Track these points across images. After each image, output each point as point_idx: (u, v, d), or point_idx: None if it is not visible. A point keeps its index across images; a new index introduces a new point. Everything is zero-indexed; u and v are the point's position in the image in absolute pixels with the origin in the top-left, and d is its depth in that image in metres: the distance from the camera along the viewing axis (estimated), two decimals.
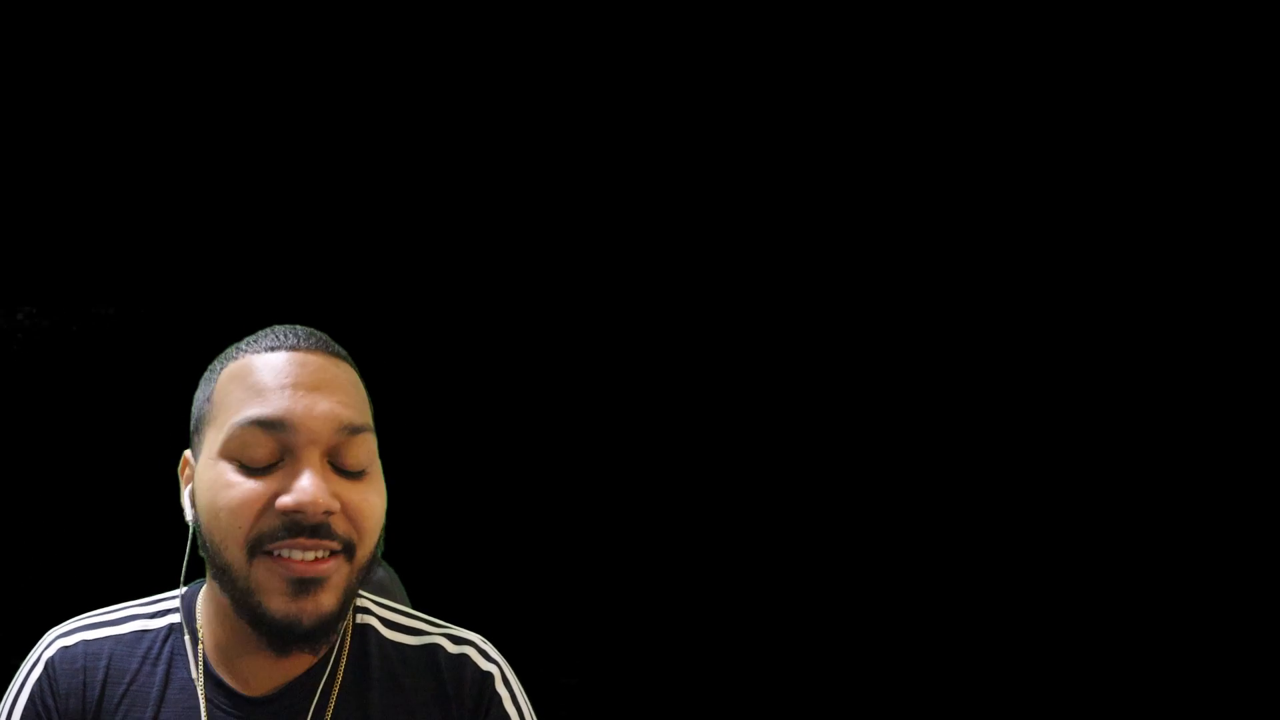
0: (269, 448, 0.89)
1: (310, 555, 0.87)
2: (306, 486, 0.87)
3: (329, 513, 0.88)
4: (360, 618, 0.99)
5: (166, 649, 0.96)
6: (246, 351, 0.93)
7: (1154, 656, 2.90)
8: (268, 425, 0.88)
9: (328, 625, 0.89)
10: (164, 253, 3.00)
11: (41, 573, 2.86)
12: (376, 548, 0.94)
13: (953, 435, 3.10)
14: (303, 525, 0.87)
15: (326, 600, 0.88)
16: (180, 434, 0.97)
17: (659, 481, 3.10)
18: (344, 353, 0.96)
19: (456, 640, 1.00)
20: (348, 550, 0.89)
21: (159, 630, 0.97)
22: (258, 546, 0.87)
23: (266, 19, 2.94)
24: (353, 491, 0.90)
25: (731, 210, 2.98)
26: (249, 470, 0.89)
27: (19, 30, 2.87)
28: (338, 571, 0.89)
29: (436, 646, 0.98)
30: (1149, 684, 2.87)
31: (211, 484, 0.90)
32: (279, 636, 0.88)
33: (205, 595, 0.96)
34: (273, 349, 0.92)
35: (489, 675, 0.98)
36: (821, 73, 2.83)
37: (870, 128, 2.84)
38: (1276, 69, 2.72)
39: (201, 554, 0.92)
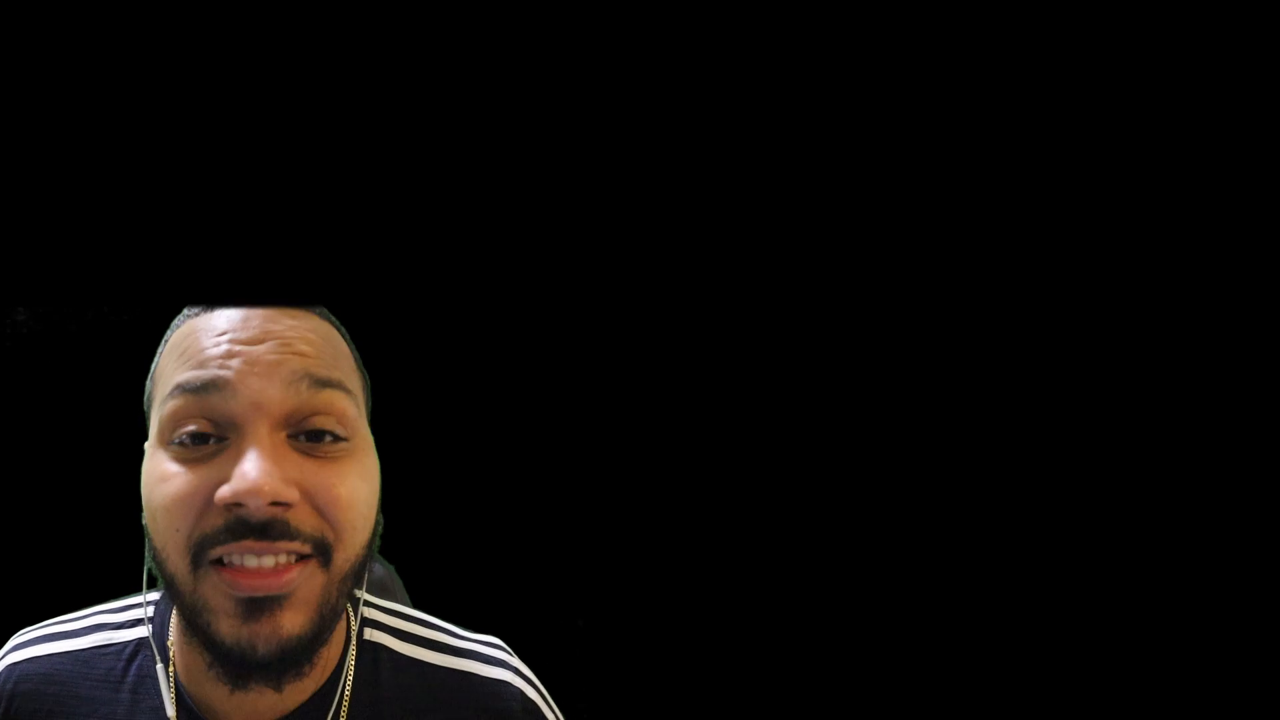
0: (204, 421, 0.67)
1: (267, 561, 0.66)
2: (247, 471, 0.65)
3: (282, 504, 0.66)
4: (369, 633, 0.80)
5: (133, 670, 0.77)
6: (190, 316, 0.73)
7: (1154, 656, 2.89)
8: (197, 390, 0.67)
9: (294, 653, 0.68)
10: (163, 252, 2.98)
11: (34, 575, 2.84)
12: (368, 545, 0.73)
13: (953, 435, 3.09)
14: (249, 523, 0.65)
15: (290, 621, 0.67)
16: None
17: (663, 470, 3.08)
18: (317, 308, 0.75)
19: (489, 660, 0.82)
20: (321, 552, 0.68)
21: (126, 645, 0.78)
22: (202, 554, 0.67)
23: (266, 18, 2.92)
24: (320, 473, 0.68)
25: (732, 210, 2.96)
26: (186, 456, 0.67)
27: (19, 30, 2.86)
28: (307, 583, 0.67)
29: (468, 673, 0.80)
30: (1149, 684, 2.85)
31: (148, 478, 0.70)
32: (231, 665, 0.68)
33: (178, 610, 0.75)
34: (211, 308, 0.73)
35: (535, 708, 0.81)
36: (822, 72, 2.81)
37: (870, 128, 2.82)
38: (1277, 69, 2.71)
39: (150, 565, 0.71)
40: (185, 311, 0.75)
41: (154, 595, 0.80)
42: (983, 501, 3.10)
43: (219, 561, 0.67)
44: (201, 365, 0.68)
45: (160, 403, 0.70)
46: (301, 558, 0.67)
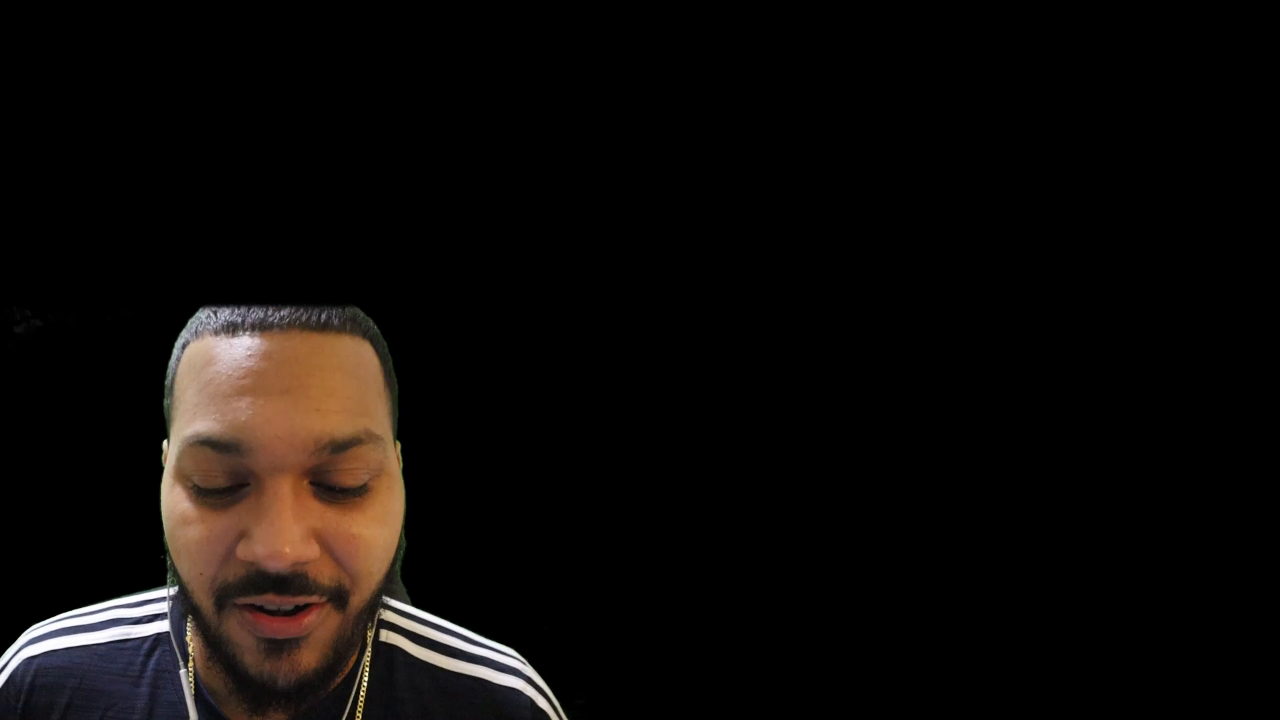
0: (226, 472, 0.68)
1: (286, 606, 0.68)
2: (267, 536, 0.66)
3: (302, 563, 0.68)
4: (384, 635, 0.82)
5: (151, 664, 0.78)
6: (207, 327, 0.72)
7: (1154, 656, 2.89)
8: (220, 448, 0.67)
9: (311, 685, 0.71)
10: (161, 253, 2.99)
11: (37, 574, 2.84)
12: (386, 579, 0.74)
13: (953, 436, 3.09)
14: (269, 577, 0.67)
15: (307, 659, 0.70)
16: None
17: (669, 487, 3.09)
18: (346, 315, 0.73)
19: (502, 669, 0.83)
20: (337, 599, 0.70)
21: (144, 640, 0.80)
22: (225, 598, 0.69)
23: (266, 17, 2.93)
24: (342, 522, 0.69)
25: (731, 210, 2.98)
26: (207, 499, 0.68)
27: (18, 30, 2.86)
28: (323, 625, 0.70)
29: (482, 680, 0.81)
30: (1149, 684, 2.86)
31: (170, 511, 0.71)
32: (253, 694, 0.71)
33: None
34: (232, 328, 0.70)
35: (545, 715, 0.82)
36: (821, 73, 2.82)
37: (870, 128, 2.83)
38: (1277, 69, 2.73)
39: (171, 584, 0.73)
40: (204, 315, 0.73)
41: (173, 589, 0.80)
42: (979, 500, 3.11)
43: (239, 605, 0.69)
44: (222, 418, 0.68)
45: (180, 436, 0.70)
46: (315, 606, 0.69)
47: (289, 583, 0.68)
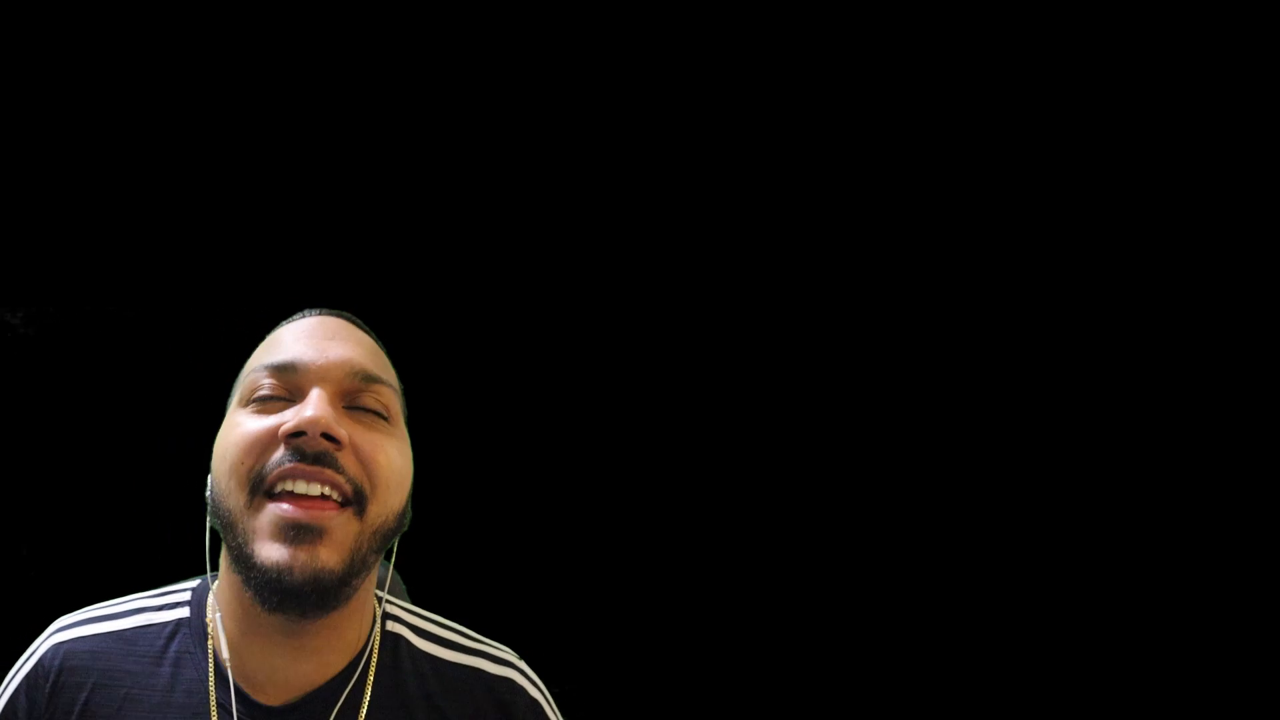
0: (279, 387, 0.84)
1: (314, 489, 0.79)
2: (307, 407, 0.80)
3: (332, 439, 0.80)
4: (390, 625, 0.90)
5: (174, 647, 0.86)
6: (283, 325, 0.92)
7: (1154, 657, 2.90)
8: (278, 369, 0.84)
9: (324, 587, 0.78)
10: (162, 252, 3.00)
11: (46, 570, 2.86)
12: (400, 515, 0.85)
13: (953, 436, 3.10)
14: (304, 451, 0.79)
15: (325, 555, 0.78)
16: (183, 432, 0.95)
17: (665, 485, 3.10)
18: (370, 330, 0.93)
19: (497, 660, 0.91)
20: (357, 500, 0.81)
21: (166, 625, 0.87)
22: (259, 485, 0.80)
23: (265, 17, 2.94)
24: (366, 434, 0.83)
25: (732, 210, 2.98)
26: (260, 409, 0.83)
27: (17, 30, 2.88)
28: (342, 526, 0.80)
29: (478, 669, 0.89)
30: (1149, 684, 2.87)
31: (225, 432, 0.84)
32: (267, 588, 0.78)
33: (220, 584, 0.86)
34: (298, 320, 0.91)
35: (537, 704, 0.90)
36: (821, 73, 2.83)
37: (870, 128, 2.84)
38: (1276, 69, 2.73)
39: (213, 523, 0.84)
40: (282, 323, 0.91)
41: (192, 582, 0.90)
42: (983, 502, 3.12)
43: (271, 494, 0.79)
44: (282, 353, 0.85)
45: (244, 378, 0.86)
46: (340, 503, 0.80)
47: (321, 458, 0.80)
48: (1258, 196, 2.82)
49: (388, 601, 0.91)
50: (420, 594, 1.34)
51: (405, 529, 0.87)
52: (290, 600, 0.78)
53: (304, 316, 0.90)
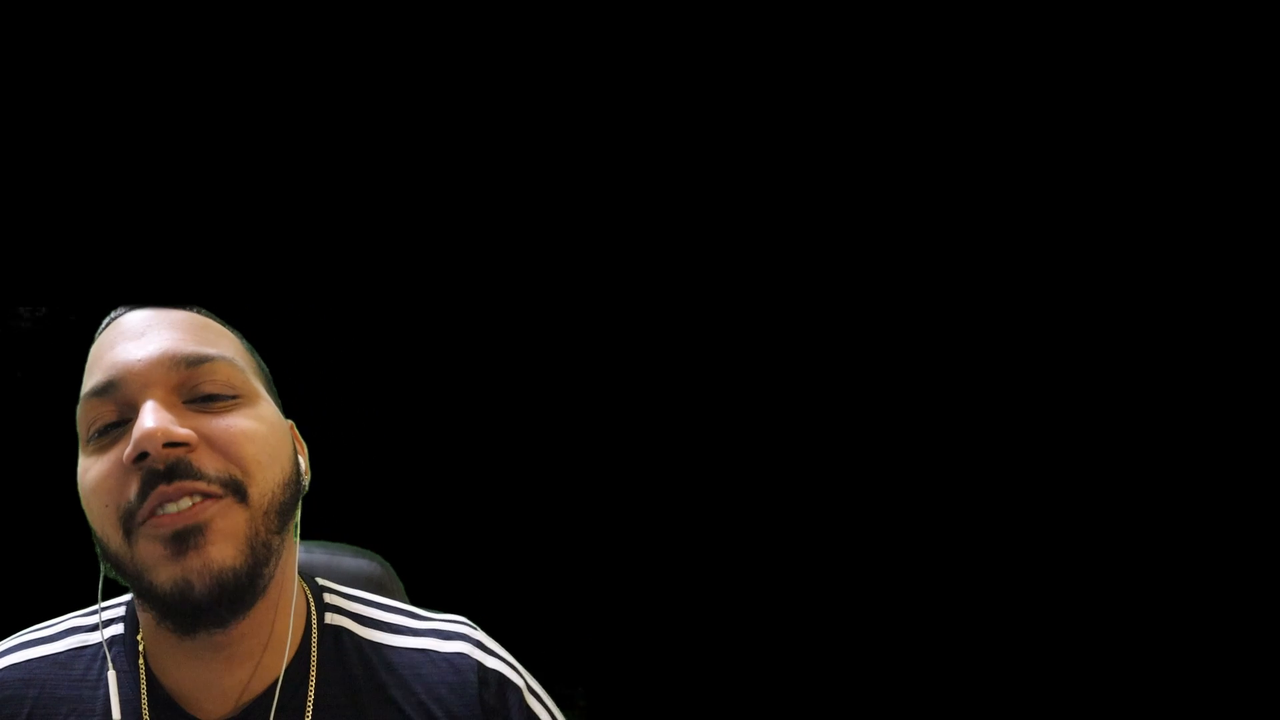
0: (109, 413, 0.76)
1: (184, 504, 0.72)
2: (141, 422, 0.72)
3: (177, 445, 0.73)
4: (329, 618, 0.84)
5: (108, 667, 0.80)
6: (93, 342, 0.82)
7: (1154, 657, 2.89)
8: (99, 392, 0.76)
9: (230, 588, 0.72)
10: (160, 252, 2.99)
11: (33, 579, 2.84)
12: (289, 484, 0.79)
13: (953, 436, 3.09)
14: (157, 471, 0.72)
15: (218, 553, 0.72)
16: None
17: (667, 484, 3.08)
18: (190, 309, 0.83)
19: (446, 635, 0.86)
20: (234, 490, 0.74)
21: (99, 646, 0.82)
22: (130, 521, 0.73)
23: (264, 17, 2.93)
24: (217, 421, 0.76)
25: (731, 210, 2.97)
26: (102, 445, 0.75)
27: (17, 29, 2.87)
28: (226, 516, 0.73)
29: (428, 649, 0.84)
30: (1149, 684, 2.86)
31: (80, 478, 0.77)
32: (175, 613, 0.73)
33: (141, 616, 0.79)
34: (102, 330, 0.82)
35: (496, 673, 0.84)
36: (821, 73, 2.83)
37: (870, 128, 2.83)
38: (1276, 69, 2.72)
39: (107, 571, 0.77)
40: (96, 334, 0.82)
41: (127, 596, 0.84)
42: (983, 502, 3.10)
43: (143, 523, 0.73)
44: (99, 372, 0.77)
45: (78, 416, 0.78)
46: (212, 497, 0.73)
47: (173, 470, 0.72)
48: (1258, 196, 2.82)
49: (328, 590, 0.86)
50: (421, 594, 1.33)
51: (305, 490, 0.82)
52: (203, 617, 0.73)
53: (109, 324, 0.81)
